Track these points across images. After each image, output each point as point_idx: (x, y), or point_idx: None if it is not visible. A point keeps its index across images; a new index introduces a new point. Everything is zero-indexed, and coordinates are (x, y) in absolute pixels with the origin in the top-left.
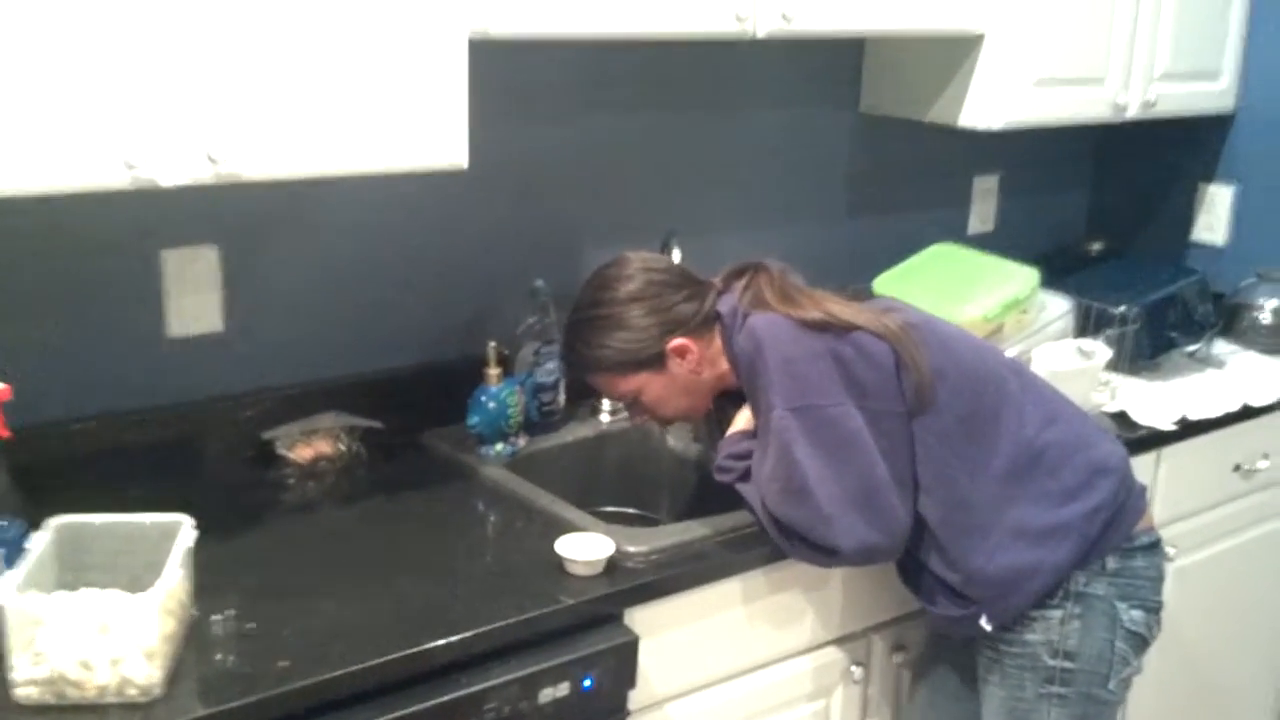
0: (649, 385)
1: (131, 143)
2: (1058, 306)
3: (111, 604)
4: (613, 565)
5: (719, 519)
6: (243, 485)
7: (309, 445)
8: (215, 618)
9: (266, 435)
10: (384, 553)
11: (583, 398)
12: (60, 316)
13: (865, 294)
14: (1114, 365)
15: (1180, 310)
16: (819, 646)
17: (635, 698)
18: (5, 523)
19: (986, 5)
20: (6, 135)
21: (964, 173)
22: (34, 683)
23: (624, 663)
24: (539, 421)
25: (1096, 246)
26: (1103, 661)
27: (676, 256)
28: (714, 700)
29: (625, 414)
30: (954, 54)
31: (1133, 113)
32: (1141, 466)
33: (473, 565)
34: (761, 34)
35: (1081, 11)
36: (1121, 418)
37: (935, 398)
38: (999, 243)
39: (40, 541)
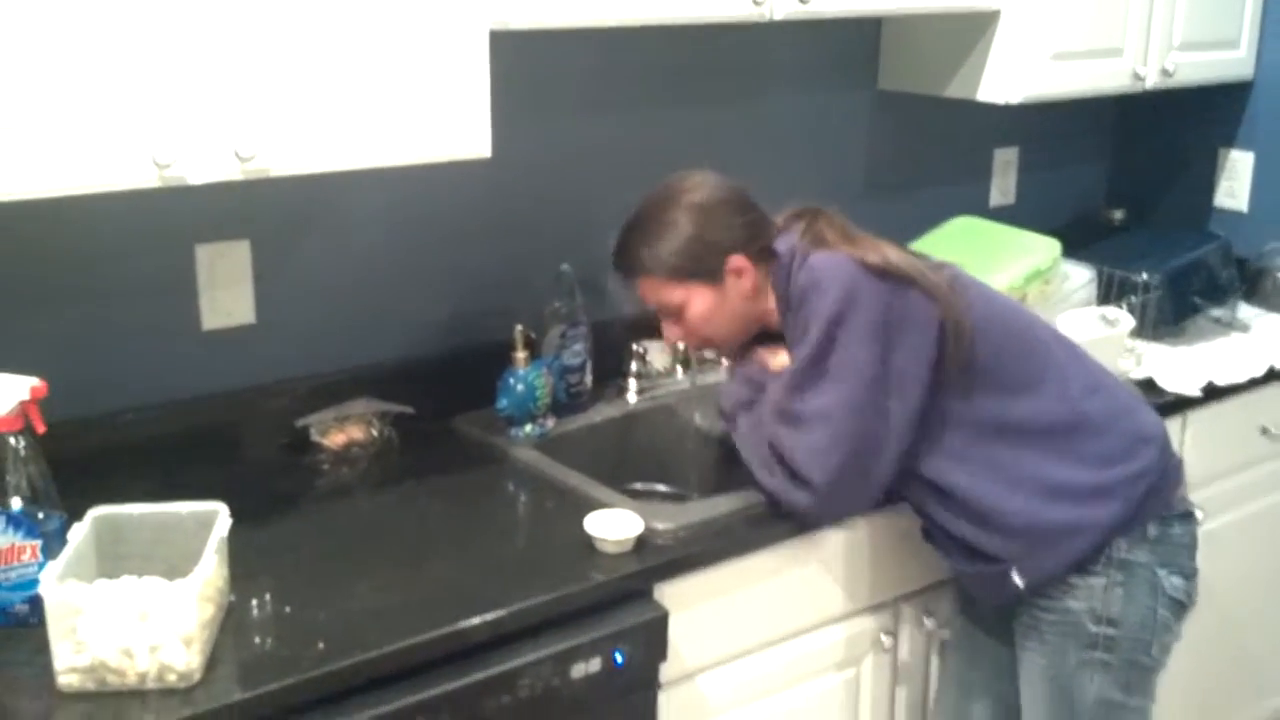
0: (697, 298)
1: (160, 142)
2: (1080, 276)
3: (150, 592)
4: (642, 542)
5: (746, 494)
6: (277, 472)
7: (342, 431)
8: (252, 603)
9: (300, 422)
10: (417, 535)
11: (609, 379)
12: (97, 312)
13: (913, 254)
14: (1138, 332)
15: (1204, 275)
16: (848, 616)
17: (666, 671)
18: (45, 515)
19: None
20: (36, 138)
21: (984, 146)
22: (75, 670)
23: (654, 637)
24: (567, 403)
25: (1118, 216)
26: (1146, 628)
27: None
28: (744, 671)
29: (650, 394)
30: (971, 30)
31: (1151, 82)
32: (1169, 431)
33: (504, 545)
34: (779, 16)
35: None
36: (1148, 384)
37: (973, 361)
38: (1020, 215)
39: (79, 532)
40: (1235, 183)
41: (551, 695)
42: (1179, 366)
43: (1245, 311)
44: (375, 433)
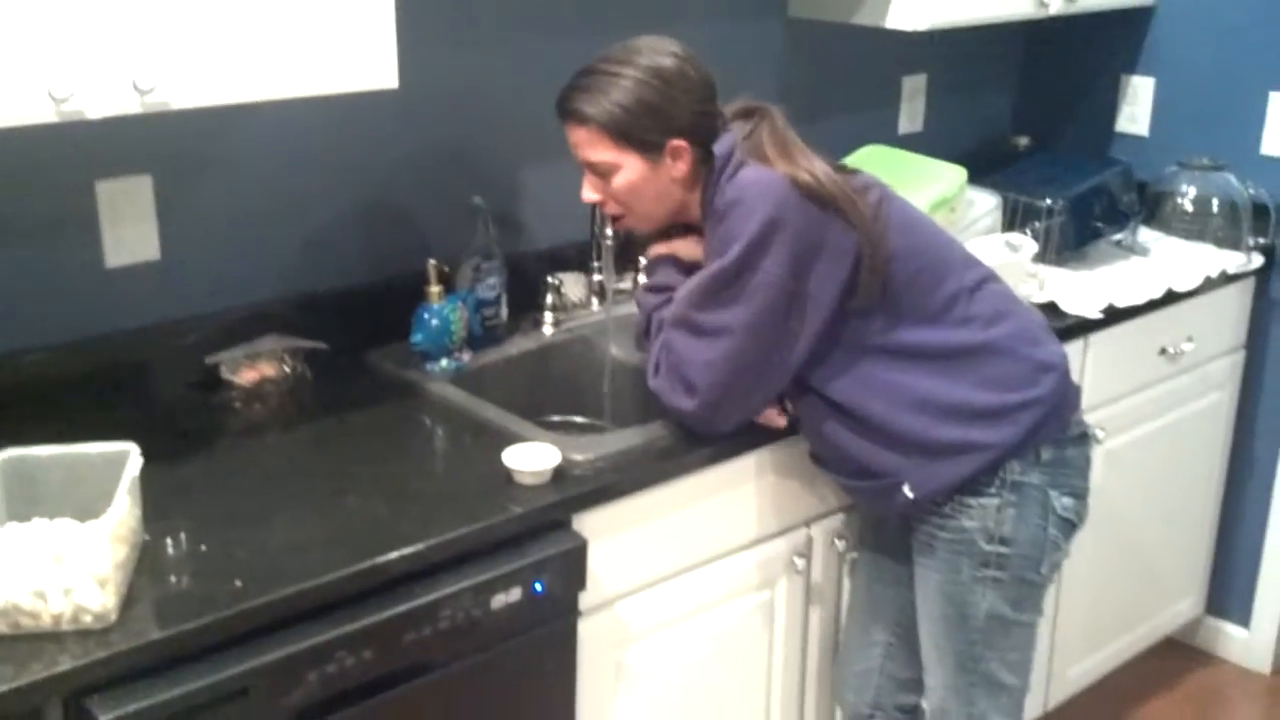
0: (630, 167)
1: (56, 75)
2: (985, 203)
3: (63, 534)
4: (560, 473)
5: (662, 425)
6: (188, 410)
7: (253, 368)
8: (167, 542)
9: (210, 360)
10: (333, 471)
11: (524, 311)
12: None
13: (845, 172)
14: (1041, 257)
15: (1105, 200)
16: (762, 541)
17: (586, 599)
18: None
19: None
20: None
21: (892, 74)
22: None
23: (574, 566)
24: (482, 336)
25: (1023, 142)
26: (1036, 546)
27: None
28: (662, 597)
29: (566, 326)
30: None
31: (1055, 8)
32: (1070, 354)
33: (422, 479)
34: None
35: None
36: (1050, 308)
37: (885, 291)
38: (929, 142)
39: None
40: (1136, 108)
41: (472, 625)
42: (1080, 290)
43: (1145, 235)
44: (287, 369)
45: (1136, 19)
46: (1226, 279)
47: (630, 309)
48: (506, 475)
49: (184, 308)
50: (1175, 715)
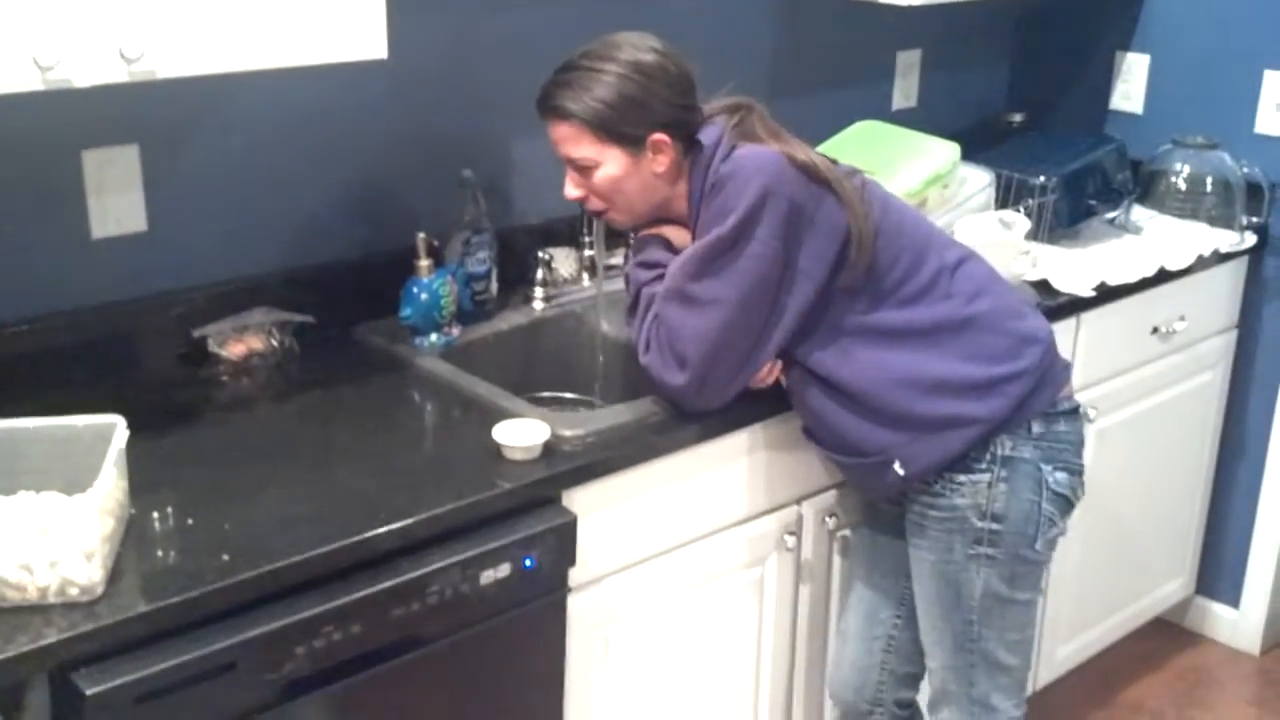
0: (612, 162)
1: (42, 43)
2: (979, 179)
3: (49, 506)
4: (549, 449)
5: (652, 401)
6: (176, 383)
7: (241, 341)
8: (154, 516)
9: (198, 333)
10: (322, 445)
11: (515, 286)
12: None
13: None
14: (1034, 234)
15: (1099, 178)
16: (752, 518)
17: (575, 575)
18: None
19: None
20: None
21: (887, 49)
22: None
23: (563, 542)
24: (472, 311)
25: (1017, 119)
26: (1030, 522)
27: None
28: (652, 574)
29: (556, 301)
30: None
31: None
32: (1062, 332)
33: (411, 454)
34: None
35: None
36: (1043, 285)
37: (871, 270)
38: (922, 118)
39: None
40: (1131, 85)
41: (461, 601)
42: (1073, 268)
43: (1138, 213)
44: (275, 343)
45: None
46: (1219, 258)
47: (620, 285)
48: (496, 451)
49: (171, 280)
50: (1164, 695)
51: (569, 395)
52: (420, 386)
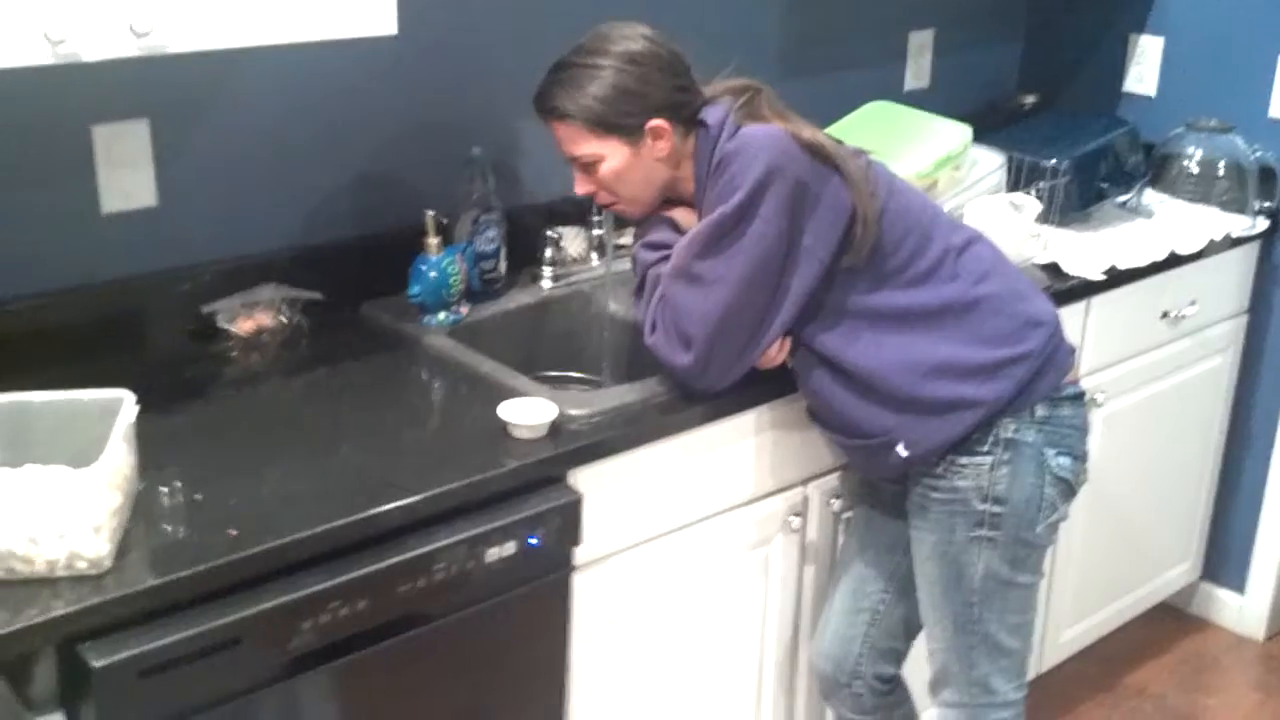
0: (614, 155)
1: (53, 17)
2: (990, 161)
3: (57, 480)
4: (556, 428)
5: (659, 381)
6: (184, 359)
7: (250, 318)
8: (162, 491)
9: (207, 309)
10: (329, 422)
11: (523, 265)
12: None
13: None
14: (1045, 217)
15: (1111, 161)
16: (758, 499)
17: (580, 554)
18: None
19: None
20: None
21: (899, 29)
22: None
23: (568, 521)
24: (480, 290)
25: (1030, 100)
26: (1031, 506)
27: None
28: (657, 554)
29: (565, 280)
30: None
31: None
32: (1071, 315)
33: (418, 432)
34: None
35: None
36: (1053, 268)
37: (875, 250)
38: (935, 99)
39: None
40: (1144, 68)
41: (466, 578)
42: (1083, 251)
43: (1150, 197)
44: (284, 319)
45: None
46: (1231, 243)
47: (629, 265)
48: (502, 429)
49: (181, 256)
50: (1169, 680)
51: (576, 375)
52: (428, 364)
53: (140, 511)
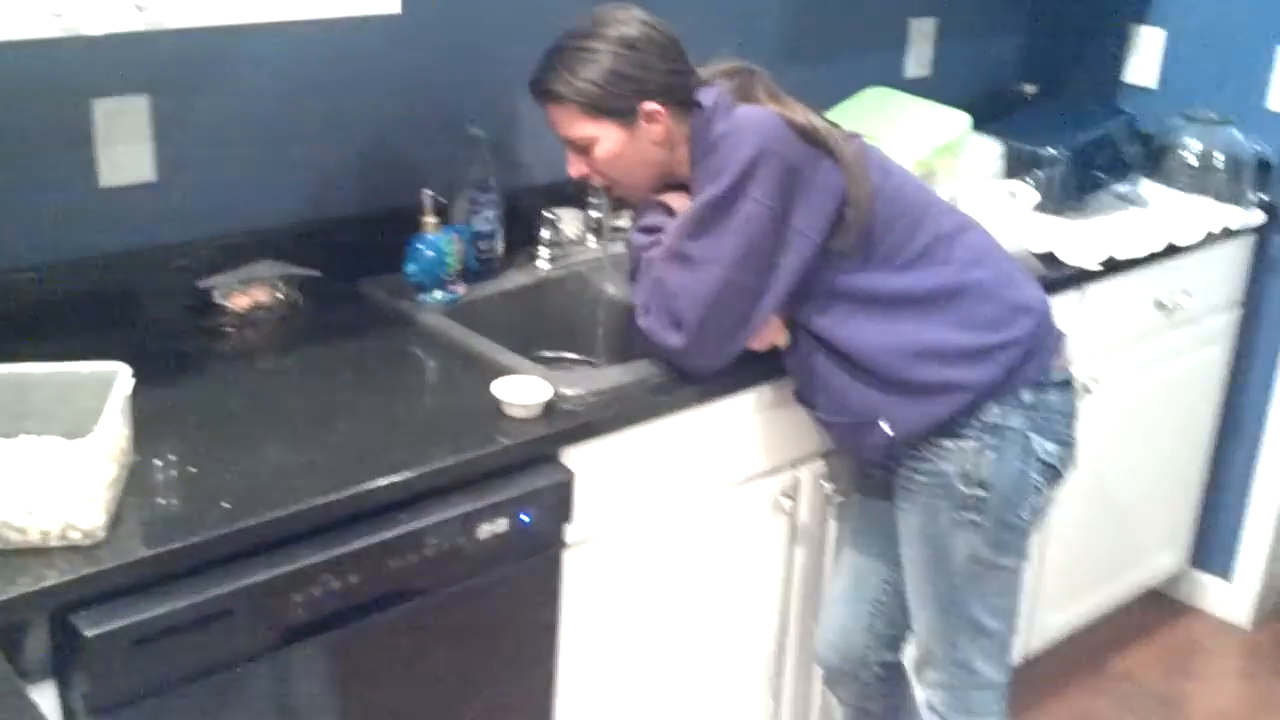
0: (608, 137)
1: None
2: (989, 150)
3: (52, 450)
4: (550, 407)
5: (653, 362)
6: (180, 334)
7: (246, 294)
8: (156, 464)
9: (203, 284)
10: (324, 398)
11: (521, 246)
12: None
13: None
14: (1044, 206)
15: (1109, 151)
16: (749, 480)
17: (572, 532)
18: None
19: None
20: None
21: (900, 16)
22: None
23: (561, 499)
24: (477, 270)
25: (1030, 89)
26: (1016, 489)
27: None
28: (648, 532)
29: (562, 261)
30: None
31: None
32: (1066, 304)
33: (412, 409)
34: None
35: None
36: (1048, 257)
37: (867, 233)
38: (936, 87)
39: None
40: (1144, 59)
41: (458, 554)
42: (1080, 240)
43: (1147, 188)
44: (280, 295)
45: None
46: (1227, 234)
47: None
48: (496, 407)
49: (178, 231)
50: (1155, 666)
51: (571, 355)
52: (423, 343)
53: (134, 483)
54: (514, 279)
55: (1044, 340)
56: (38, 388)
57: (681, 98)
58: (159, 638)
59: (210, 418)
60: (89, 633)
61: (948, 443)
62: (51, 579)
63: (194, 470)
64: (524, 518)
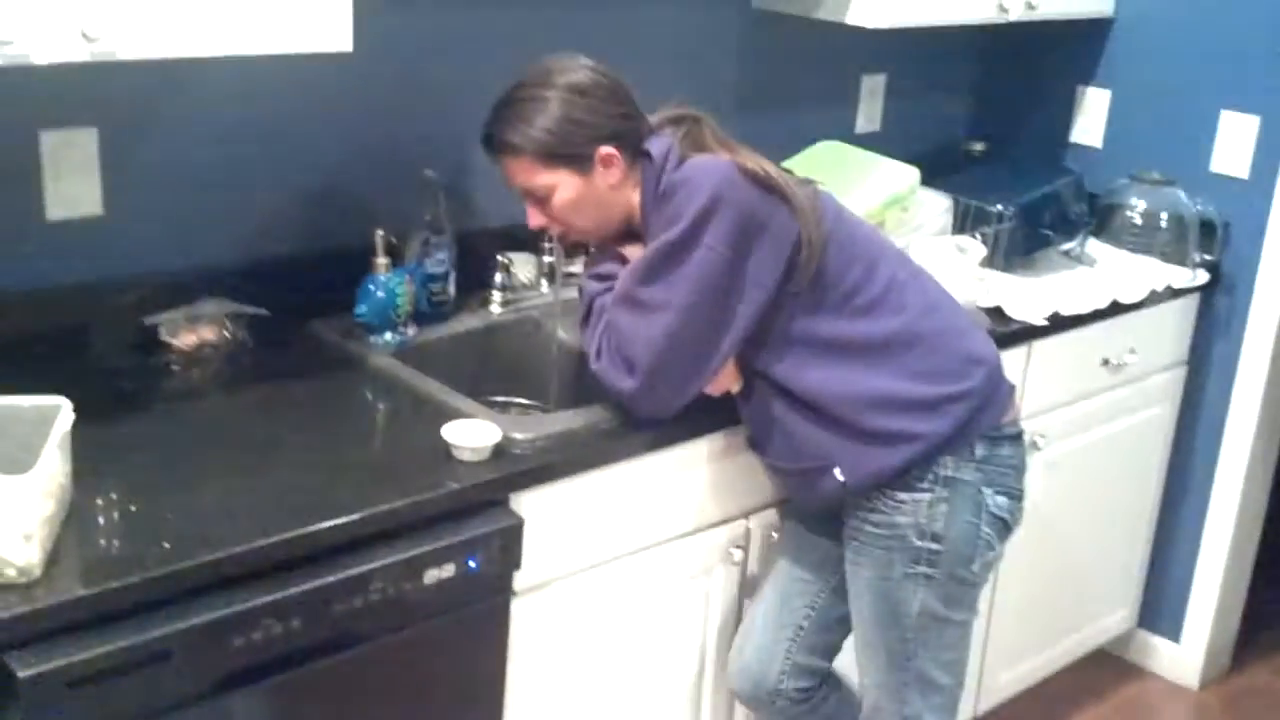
0: (565, 185)
1: (3, 19)
2: (937, 204)
3: None
4: (500, 451)
5: (605, 408)
6: (125, 371)
7: (193, 331)
8: (96, 501)
9: (149, 321)
10: (270, 438)
11: (473, 289)
12: None
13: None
14: (990, 261)
15: (1056, 209)
16: (700, 530)
17: (521, 579)
18: None
19: None
20: None
21: (852, 72)
22: None
23: (509, 545)
24: (429, 312)
25: (978, 147)
26: (968, 544)
27: None
28: (597, 581)
29: (514, 306)
30: None
31: (1015, 14)
32: (1013, 359)
33: (359, 451)
34: None
35: None
36: (996, 312)
37: (820, 278)
38: (885, 142)
39: None
40: (1091, 119)
41: (404, 599)
42: (1026, 296)
43: (1093, 246)
44: (228, 334)
45: (1095, 31)
46: (1172, 293)
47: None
48: (446, 450)
49: (125, 266)
50: None
51: (522, 400)
52: (372, 384)
53: (73, 520)
54: (466, 322)
55: (996, 392)
56: None
57: (634, 143)
58: (96, 679)
59: (153, 456)
60: (23, 673)
61: (902, 495)
62: None
63: (134, 509)
64: (472, 563)
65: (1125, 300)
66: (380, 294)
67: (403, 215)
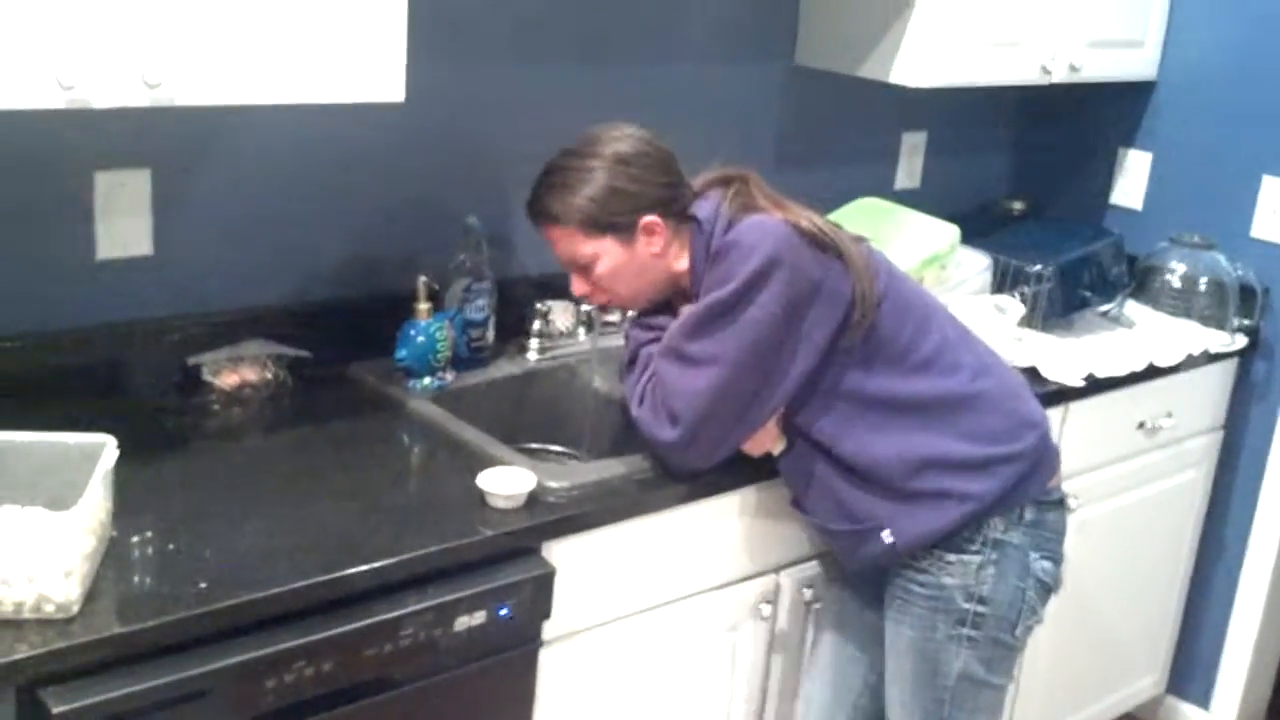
0: (608, 254)
1: (67, 63)
2: (976, 263)
3: (31, 521)
4: (533, 499)
5: (639, 458)
6: (167, 410)
7: (235, 372)
8: (135, 539)
9: (193, 360)
10: (307, 480)
11: (511, 336)
12: None
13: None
14: (1028, 321)
15: (1094, 270)
16: (730, 584)
17: (550, 628)
18: None
19: None
20: None
21: (893, 129)
22: None
23: (540, 594)
24: (467, 358)
25: (1018, 206)
26: (1013, 608)
27: None
28: (626, 633)
29: (551, 353)
30: (889, 10)
31: (1059, 76)
32: (1050, 421)
33: (395, 495)
34: None
35: None
36: (1032, 372)
37: (873, 335)
38: (925, 199)
39: None
40: (1131, 181)
41: (434, 645)
42: (1063, 357)
43: (1132, 308)
44: (269, 375)
45: (1137, 94)
46: (1209, 358)
47: (616, 341)
48: (480, 497)
49: (171, 305)
50: None
51: (556, 449)
52: (410, 428)
53: (112, 558)
54: (503, 368)
55: (1046, 456)
56: (24, 457)
57: (678, 210)
58: (129, 717)
59: (192, 495)
60: (57, 709)
61: (951, 556)
62: (22, 652)
63: (172, 547)
64: (502, 611)
65: (1162, 363)
66: (420, 339)
67: (445, 262)
